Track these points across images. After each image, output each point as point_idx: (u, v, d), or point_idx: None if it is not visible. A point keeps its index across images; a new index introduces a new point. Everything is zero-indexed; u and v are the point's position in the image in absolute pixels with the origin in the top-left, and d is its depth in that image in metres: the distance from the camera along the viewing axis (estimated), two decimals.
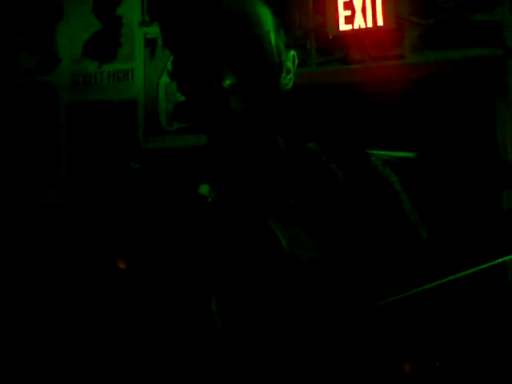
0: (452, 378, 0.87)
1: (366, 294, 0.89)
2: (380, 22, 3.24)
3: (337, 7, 3.27)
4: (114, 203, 1.02)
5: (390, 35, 3.29)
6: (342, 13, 3.27)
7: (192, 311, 0.85)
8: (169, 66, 3.45)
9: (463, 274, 0.82)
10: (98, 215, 1.01)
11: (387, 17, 3.24)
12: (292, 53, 1.05)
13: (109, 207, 1.02)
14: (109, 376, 0.89)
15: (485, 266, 0.82)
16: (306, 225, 0.92)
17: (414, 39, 3.30)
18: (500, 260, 0.82)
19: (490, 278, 0.85)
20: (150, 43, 3.59)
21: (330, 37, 3.33)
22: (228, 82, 0.92)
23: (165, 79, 3.55)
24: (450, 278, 0.82)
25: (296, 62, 1.06)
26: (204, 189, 0.88)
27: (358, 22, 3.25)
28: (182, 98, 1.00)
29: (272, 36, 0.98)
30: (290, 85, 1.04)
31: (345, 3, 3.27)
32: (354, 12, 3.26)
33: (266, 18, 0.98)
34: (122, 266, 0.90)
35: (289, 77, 1.04)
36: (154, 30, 3.48)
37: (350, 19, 3.26)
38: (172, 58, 1.03)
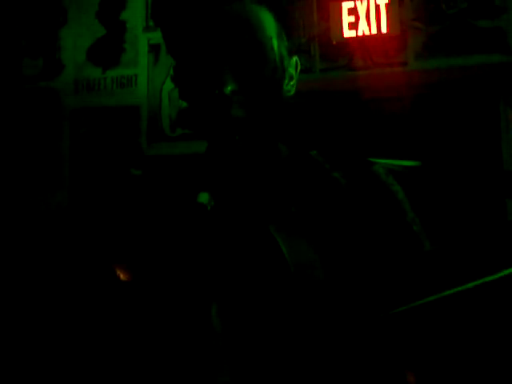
0: None
1: (368, 303, 0.88)
2: (384, 29, 3.24)
3: (341, 13, 3.28)
4: (113, 210, 1.01)
5: (394, 42, 3.29)
6: (346, 19, 3.27)
7: (192, 319, 0.84)
8: (172, 71, 3.44)
9: (467, 286, 0.81)
10: (99, 222, 1.00)
11: (391, 23, 3.24)
12: (295, 59, 1.04)
13: (109, 214, 1.01)
14: (109, 377, 0.88)
15: (490, 278, 0.80)
16: (308, 233, 0.91)
17: (418, 46, 3.30)
18: (506, 272, 0.80)
19: (496, 291, 0.84)
20: (154, 49, 3.59)
21: (334, 43, 3.33)
22: (229, 88, 0.91)
23: (168, 85, 3.55)
24: (453, 290, 0.81)
25: (299, 68, 1.05)
26: (203, 197, 0.88)
27: (362, 29, 3.26)
28: (186, 103, 0.99)
29: (275, 42, 0.97)
30: (293, 91, 1.03)
31: (349, 9, 3.27)
32: (358, 18, 3.26)
33: (269, 23, 0.97)
34: (121, 273, 0.90)
35: (291, 83, 1.02)
36: (157, 36, 3.48)
37: (353, 25, 3.27)
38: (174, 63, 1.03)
